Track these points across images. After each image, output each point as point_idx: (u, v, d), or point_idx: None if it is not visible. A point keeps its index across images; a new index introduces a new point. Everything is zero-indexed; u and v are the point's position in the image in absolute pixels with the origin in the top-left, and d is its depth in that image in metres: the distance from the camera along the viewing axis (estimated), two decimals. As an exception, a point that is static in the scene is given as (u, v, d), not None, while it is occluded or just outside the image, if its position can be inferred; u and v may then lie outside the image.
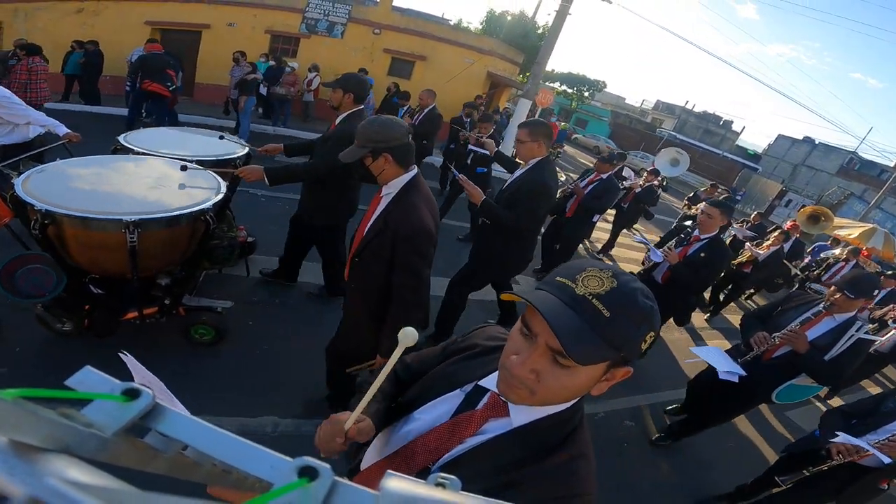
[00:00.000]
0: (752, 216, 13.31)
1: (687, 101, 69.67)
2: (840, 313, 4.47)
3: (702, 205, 6.30)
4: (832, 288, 4.55)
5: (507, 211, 5.13)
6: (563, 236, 8.57)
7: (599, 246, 12.59)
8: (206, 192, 4.36)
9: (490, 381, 1.49)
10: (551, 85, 45.32)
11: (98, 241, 3.76)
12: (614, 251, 12.64)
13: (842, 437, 3.89)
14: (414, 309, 3.38)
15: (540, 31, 33.22)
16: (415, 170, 3.34)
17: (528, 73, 23.84)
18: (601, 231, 12.71)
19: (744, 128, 62.87)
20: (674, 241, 6.08)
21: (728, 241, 10.28)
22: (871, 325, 6.01)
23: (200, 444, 0.57)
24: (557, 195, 8.27)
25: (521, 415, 1.37)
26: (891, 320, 8.60)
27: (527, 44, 27.71)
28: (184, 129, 6.52)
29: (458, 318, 5.94)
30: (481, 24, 33.74)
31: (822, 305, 4.58)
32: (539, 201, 5.11)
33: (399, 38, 22.51)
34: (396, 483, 0.50)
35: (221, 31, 20.66)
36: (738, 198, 28.06)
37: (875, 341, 4.74)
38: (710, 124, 62.78)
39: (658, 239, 12.83)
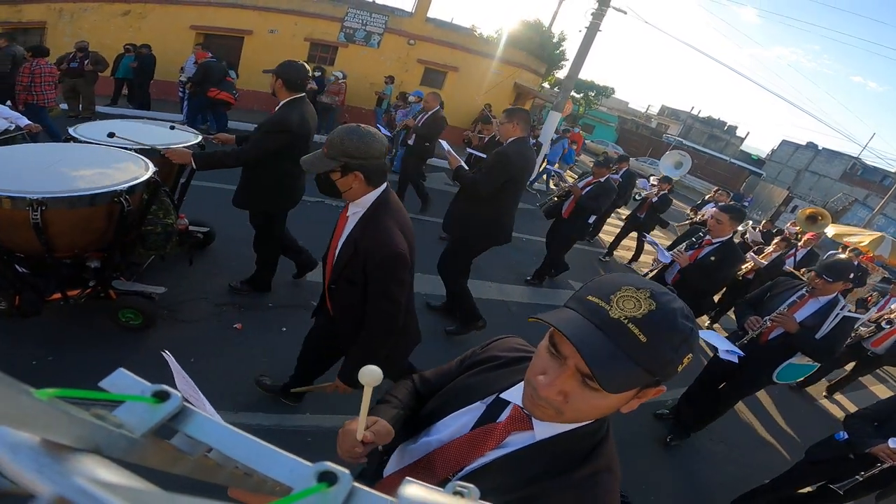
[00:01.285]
0: (763, 223, 13.29)
1: (693, 107, 69.32)
2: (822, 296, 4.88)
3: (711, 209, 6.33)
4: (812, 273, 4.96)
5: (470, 173, 5.67)
6: (561, 235, 8.64)
7: (629, 255, 12.77)
8: (127, 174, 4.32)
9: (512, 394, 1.46)
10: (556, 90, 45.38)
11: (7, 218, 3.82)
12: (620, 252, 12.69)
13: (893, 442, 4.01)
14: (386, 336, 3.15)
15: (556, 39, 33.19)
16: (384, 185, 3.07)
17: (550, 79, 24.06)
18: (606, 235, 12.92)
19: (748, 133, 62.65)
20: (684, 244, 6.11)
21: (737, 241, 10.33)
22: (851, 307, 6.13)
23: (224, 447, 0.58)
24: (555, 196, 8.68)
25: (545, 428, 1.33)
26: (884, 321, 8.63)
27: (543, 53, 27.67)
28: (141, 120, 6.54)
29: (472, 299, 6.24)
30: (496, 32, 33.66)
31: (804, 289, 4.98)
32: (497, 168, 5.46)
33: (432, 49, 22.66)
34: (414, 490, 0.50)
35: (263, 37, 20.83)
36: (746, 204, 27.94)
37: (859, 318, 5.33)
38: (714, 129, 62.66)
39: (668, 243, 12.88)
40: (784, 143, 56.02)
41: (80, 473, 0.43)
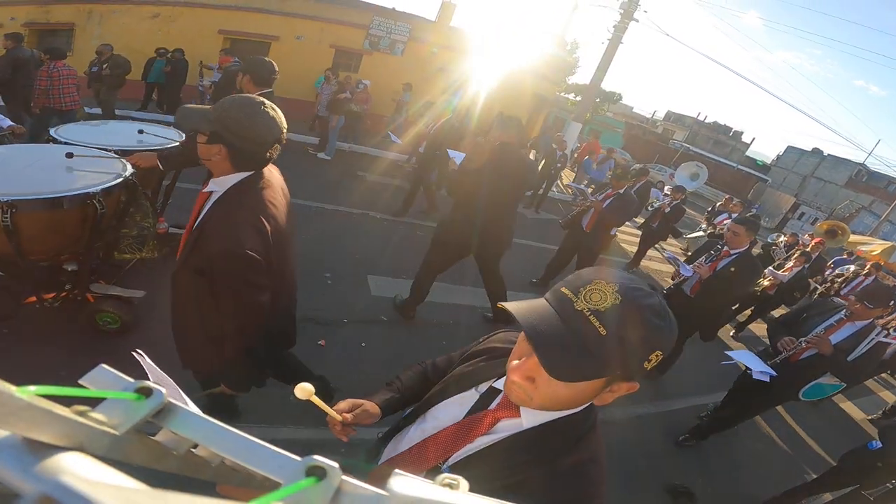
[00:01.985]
0: (788, 236, 13.21)
1: (699, 113, 68.98)
2: (859, 320, 4.92)
3: (727, 221, 6.41)
4: (852, 299, 4.97)
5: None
6: (584, 247, 8.52)
7: (652, 265, 12.82)
8: (104, 176, 4.23)
9: (503, 383, 1.45)
10: (566, 96, 45.32)
11: None
12: (643, 263, 12.63)
13: None
14: (239, 338, 2.78)
15: (568, 47, 33.36)
16: (254, 173, 2.66)
17: (562, 86, 24.29)
18: (629, 245, 12.94)
19: (754, 139, 62.57)
20: (704, 256, 6.18)
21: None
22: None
23: (211, 443, 0.58)
24: (574, 210, 8.55)
25: (531, 416, 1.36)
26: (892, 329, 8.65)
27: (555, 60, 27.79)
28: (122, 121, 6.44)
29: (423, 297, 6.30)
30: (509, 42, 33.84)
31: (843, 313, 5.03)
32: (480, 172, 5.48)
33: (454, 58, 22.69)
34: (404, 483, 0.50)
35: (289, 43, 20.98)
36: (754, 210, 28.10)
37: (891, 344, 5.35)
38: (720, 135, 62.66)
39: (680, 250, 12.87)
40: (790, 148, 56.17)
41: (64, 471, 0.43)
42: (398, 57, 21.94)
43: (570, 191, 18.31)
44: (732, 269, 5.85)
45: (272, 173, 2.87)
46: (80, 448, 0.47)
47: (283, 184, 3.05)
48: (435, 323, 6.55)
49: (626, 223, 12.72)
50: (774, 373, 5.01)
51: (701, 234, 12.27)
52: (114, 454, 0.52)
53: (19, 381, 0.44)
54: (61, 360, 4.27)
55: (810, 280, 10.04)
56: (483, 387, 1.56)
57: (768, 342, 5.53)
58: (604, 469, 1.37)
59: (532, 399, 1.27)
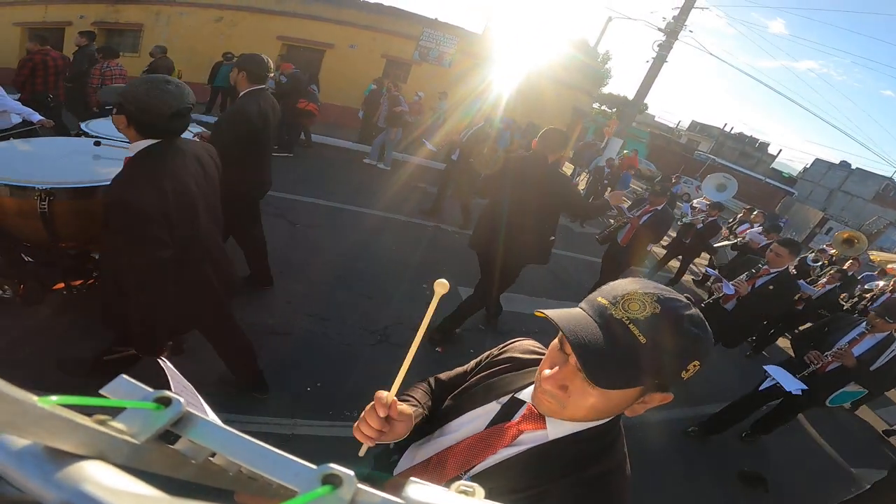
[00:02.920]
0: (822, 255, 13.15)
1: (725, 124, 68.72)
2: (880, 333, 5.35)
3: (747, 229, 6.48)
4: (872, 314, 5.41)
5: None
6: (617, 262, 8.54)
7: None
8: None
9: (526, 394, 1.48)
10: (598, 107, 45.30)
11: (16, 208, 3.91)
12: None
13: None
14: (138, 291, 2.93)
15: (600, 59, 33.38)
16: (162, 140, 2.95)
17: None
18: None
19: (780, 150, 62.11)
20: (745, 273, 6.23)
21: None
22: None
23: (228, 451, 0.58)
24: (611, 225, 8.52)
25: (557, 427, 1.36)
26: None
27: (588, 71, 27.82)
28: None
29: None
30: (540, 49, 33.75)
31: (863, 326, 5.42)
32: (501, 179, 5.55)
33: (493, 68, 22.63)
34: (419, 490, 0.51)
35: (343, 51, 21.53)
36: (781, 224, 27.84)
37: None
38: (746, 146, 62.19)
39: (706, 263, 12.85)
40: (817, 161, 55.41)
41: (85, 480, 0.43)
42: (446, 69, 22.30)
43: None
44: (771, 287, 5.97)
45: (190, 147, 3.20)
46: (100, 457, 0.48)
47: (209, 160, 3.40)
48: (524, 331, 6.69)
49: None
50: (806, 386, 5.30)
51: (727, 243, 12.19)
52: (134, 463, 0.52)
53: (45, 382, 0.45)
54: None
55: (840, 299, 9.96)
56: (504, 398, 1.55)
57: (793, 354, 5.95)
58: (628, 479, 1.36)
59: (564, 408, 1.28)
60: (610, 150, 18.68)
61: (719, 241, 12.66)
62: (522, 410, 1.46)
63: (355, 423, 1.49)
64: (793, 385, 5.28)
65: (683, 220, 11.87)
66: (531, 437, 1.40)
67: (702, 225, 11.28)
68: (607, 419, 1.35)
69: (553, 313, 1.25)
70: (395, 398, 1.43)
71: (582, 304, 1.30)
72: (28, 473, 0.43)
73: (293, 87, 13.08)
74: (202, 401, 1.05)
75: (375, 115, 16.31)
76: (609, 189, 17.19)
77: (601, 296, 1.25)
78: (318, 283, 6.79)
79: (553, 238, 5.77)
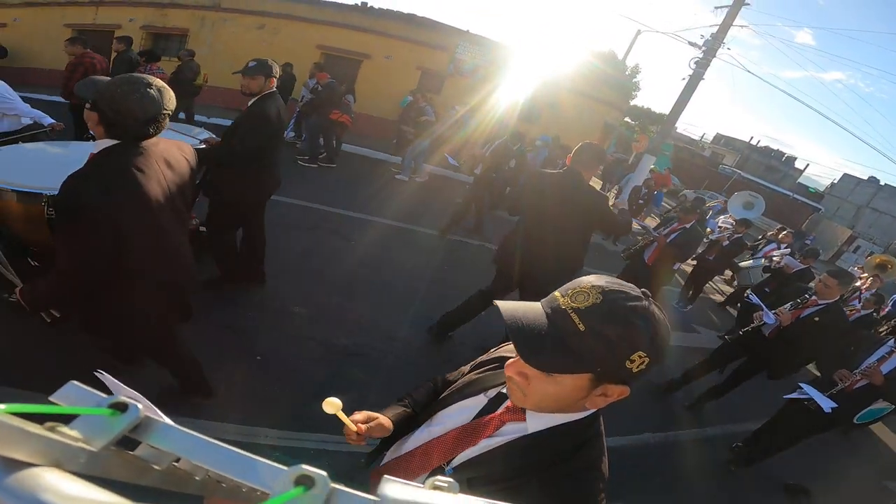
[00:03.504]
0: (867, 281, 13.00)
1: (751, 137, 68.36)
2: None
3: (773, 248, 6.55)
4: None
5: None
6: (642, 281, 8.36)
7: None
8: None
9: None
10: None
11: (22, 213, 3.96)
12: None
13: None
14: (58, 286, 2.88)
15: (628, 72, 33.55)
16: (129, 143, 2.84)
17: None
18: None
19: (808, 164, 61.60)
20: (789, 304, 6.09)
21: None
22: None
23: (193, 456, 0.58)
24: (639, 243, 8.38)
25: (536, 421, 1.41)
26: None
27: (616, 84, 27.99)
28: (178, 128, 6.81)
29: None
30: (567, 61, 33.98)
31: (891, 344, 5.38)
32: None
33: (534, 85, 22.99)
34: (394, 488, 0.51)
35: (379, 62, 21.73)
36: (808, 242, 27.64)
37: None
38: (772, 160, 61.81)
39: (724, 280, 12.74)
40: (845, 176, 54.78)
41: (41, 488, 0.43)
42: (478, 81, 22.09)
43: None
44: (816, 318, 5.83)
45: (158, 147, 3.04)
46: (56, 465, 0.47)
47: (180, 158, 3.26)
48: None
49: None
50: (836, 404, 5.22)
51: (752, 263, 11.97)
52: (92, 470, 0.52)
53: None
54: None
55: (877, 331, 9.87)
56: (492, 392, 1.62)
57: (818, 373, 6.07)
58: (603, 476, 1.40)
59: (526, 396, 1.36)
60: (644, 168, 18.63)
61: (746, 261, 12.48)
62: (506, 403, 1.52)
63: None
64: (826, 403, 5.25)
65: (709, 236, 11.79)
66: (511, 429, 1.46)
67: (727, 242, 11.02)
68: (584, 414, 1.39)
69: (504, 303, 1.35)
70: (360, 426, 1.73)
71: (543, 299, 1.38)
72: (-19, 484, 0.42)
73: (328, 97, 13.09)
74: (155, 409, 1.05)
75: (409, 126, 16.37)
76: (643, 208, 17.51)
77: (559, 290, 1.33)
78: (386, 303, 6.96)
79: (581, 259, 5.52)
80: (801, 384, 5.58)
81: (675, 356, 7.94)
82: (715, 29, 17.61)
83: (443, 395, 1.84)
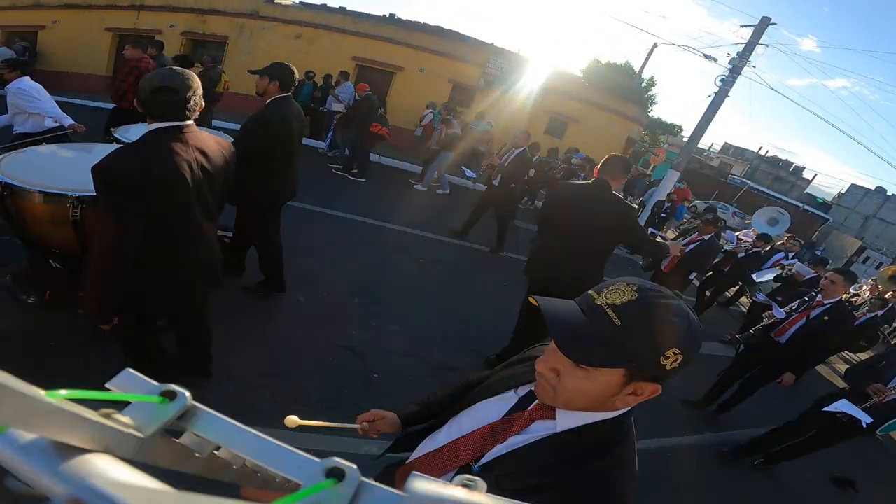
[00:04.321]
0: (868, 287, 12.93)
1: (760, 147, 67.90)
2: None
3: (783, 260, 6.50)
4: None
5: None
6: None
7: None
8: None
9: None
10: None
11: (48, 215, 3.97)
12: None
13: None
14: (105, 260, 2.99)
15: (644, 84, 33.50)
16: (163, 124, 3.09)
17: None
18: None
19: (815, 174, 60.95)
20: (797, 303, 6.23)
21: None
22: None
23: (233, 445, 0.59)
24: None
25: (566, 419, 1.41)
26: None
27: (628, 94, 27.99)
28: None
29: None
30: (581, 72, 33.85)
31: None
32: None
33: (559, 100, 23.55)
34: (422, 484, 0.51)
35: (412, 74, 22.19)
36: (818, 252, 27.40)
37: None
38: (780, 170, 61.42)
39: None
40: (853, 187, 54.58)
41: (92, 474, 0.44)
42: (507, 96, 22.35)
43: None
44: (826, 318, 5.89)
45: (197, 136, 3.29)
46: (106, 451, 0.48)
47: (218, 153, 3.48)
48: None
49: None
50: (872, 419, 5.28)
51: (765, 277, 11.86)
52: (140, 457, 0.53)
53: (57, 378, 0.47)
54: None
55: (880, 331, 9.81)
56: (522, 390, 1.61)
57: (846, 384, 6.05)
58: (633, 475, 1.39)
59: (556, 392, 1.36)
60: (667, 183, 18.59)
61: (763, 277, 12.37)
62: (537, 401, 1.50)
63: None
64: (865, 418, 5.29)
65: (726, 247, 11.74)
66: (541, 427, 1.45)
67: (744, 254, 11.04)
68: (615, 413, 1.38)
69: (542, 299, 1.37)
70: (363, 425, 1.95)
71: (578, 297, 1.39)
72: (36, 467, 0.43)
73: (368, 109, 13.03)
74: None
75: (429, 138, 16.50)
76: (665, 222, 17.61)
77: (593, 289, 1.35)
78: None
79: (602, 270, 5.39)
80: (836, 404, 5.56)
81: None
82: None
83: (473, 391, 1.84)
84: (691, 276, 8.52)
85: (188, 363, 4.45)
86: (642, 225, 8.39)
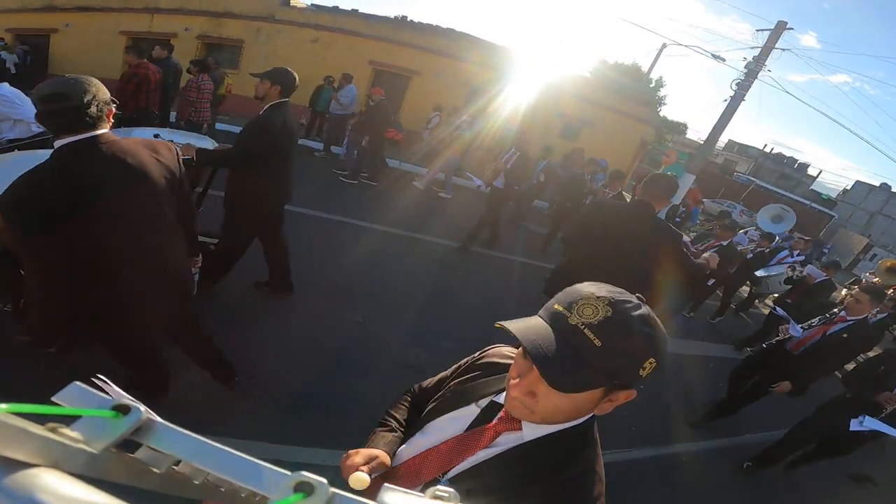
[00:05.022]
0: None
1: (765, 145, 68.05)
2: None
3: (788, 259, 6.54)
4: None
5: None
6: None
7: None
8: None
9: (504, 397, 1.50)
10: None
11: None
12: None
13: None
14: (36, 293, 2.86)
15: (653, 84, 33.64)
16: (76, 136, 2.68)
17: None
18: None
19: (820, 171, 61.05)
20: (817, 318, 6.10)
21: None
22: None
23: (194, 458, 0.58)
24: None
25: (532, 429, 1.40)
26: None
27: (640, 96, 28.12)
28: (166, 129, 7.08)
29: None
30: (589, 73, 33.98)
31: None
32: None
33: (573, 103, 23.64)
34: (395, 496, 0.51)
35: (430, 78, 22.10)
36: (825, 251, 27.48)
37: None
38: (785, 168, 61.43)
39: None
40: (858, 183, 54.53)
41: (38, 489, 0.43)
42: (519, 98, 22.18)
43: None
44: (845, 335, 5.70)
45: (124, 149, 2.93)
46: (55, 466, 0.47)
47: (151, 157, 3.12)
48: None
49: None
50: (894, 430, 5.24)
51: (767, 273, 11.78)
52: (91, 472, 0.52)
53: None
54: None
55: (888, 330, 9.80)
56: (484, 402, 1.60)
57: (847, 390, 5.91)
58: (602, 480, 1.40)
59: (534, 413, 1.32)
60: (682, 187, 18.72)
61: (769, 273, 12.33)
62: (500, 413, 1.50)
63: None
64: (892, 431, 5.26)
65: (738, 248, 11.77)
66: (508, 439, 1.45)
67: (751, 254, 11.03)
68: (581, 420, 1.39)
69: (513, 325, 1.30)
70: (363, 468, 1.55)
71: (540, 311, 1.36)
72: (-22, 484, 0.42)
73: (383, 114, 13.03)
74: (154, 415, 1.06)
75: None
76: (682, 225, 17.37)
77: (557, 303, 1.32)
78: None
79: None
80: (863, 421, 5.41)
81: (694, 365, 8.15)
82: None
83: (430, 404, 1.81)
84: (710, 283, 8.53)
85: (211, 375, 4.45)
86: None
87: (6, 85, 6.59)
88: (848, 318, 5.77)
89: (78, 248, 2.77)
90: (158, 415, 0.62)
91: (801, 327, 5.99)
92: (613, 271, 4.65)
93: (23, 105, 6.56)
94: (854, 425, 5.25)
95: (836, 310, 6.03)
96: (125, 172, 2.92)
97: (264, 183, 5.24)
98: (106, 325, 3.40)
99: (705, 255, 5.42)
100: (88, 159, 2.76)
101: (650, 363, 1.23)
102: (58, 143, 2.70)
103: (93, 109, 2.71)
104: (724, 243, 8.07)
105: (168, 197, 3.27)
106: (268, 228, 5.83)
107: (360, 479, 1.36)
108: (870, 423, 5.30)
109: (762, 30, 17.84)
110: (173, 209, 3.37)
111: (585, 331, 1.20)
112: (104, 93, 2.80)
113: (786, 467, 6.14)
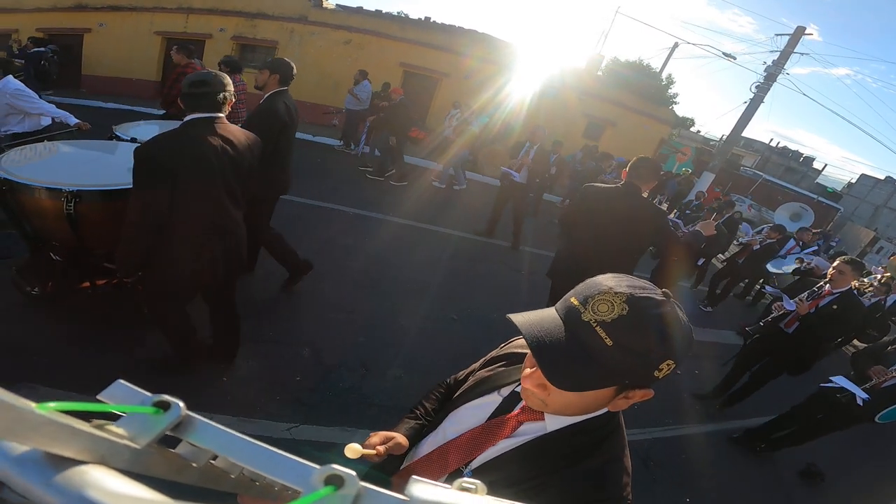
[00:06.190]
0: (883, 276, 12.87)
1: (771, 140, 67.33)
2: None
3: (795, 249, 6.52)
4: None
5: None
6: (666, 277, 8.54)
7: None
8: None
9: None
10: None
11: (43, 209, 4.11)
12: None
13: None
14: (127, 236, 3.50)
15: (664, 83, 33.54)
16: (196, 115, 3.59)
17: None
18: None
19: (825, 165, 60.49)
20: (806, 293, 6.22)
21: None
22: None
23: (231, 454, 0.59)
24: None
25: (555, 420, 1.38)
26: None
27: (656, 95, 28.06)
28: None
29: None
30: (600, 72, 33.74)
31: None
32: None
33: (595, 104, 23.82)
34: (422, 488, 0.51)
35: (458, 81, 22.16)
36: (833, 244, 27.32)
37: None
38: (791, 161, 61.01)
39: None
40: (863, 177, 54.13)
41: (87, 485, 0.44)
42: (550, 100, 22.50)
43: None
44: (835, 307, 5.90)
45: (225, 128, 3.74)
46: (101, 462, 0.48)
47: (244, 146, 3.87)
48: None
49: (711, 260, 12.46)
50: (868, 396, 5.30)
51: (783, 270, 11.73)
52: (135, 467, 0.53)
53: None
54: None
55: (891, 321, 9.77)
56: (505, 391, 1.58)
57: (852, 371, 5.85)
58: (627, 469, 1.37)
59: (546, 405, 1.32)
60: (702, 184, 18.72)
61: (779, 269, 12.26)
62: (522, 402, 1.47)
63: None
64: (860, 393, 5.31)
65: (741, 239, 11.70)
66: (531, 429, 1.43)
67: (759, 246, 11.02)
68: (604, 410, 1.36)
69: (519, 318, 1.29)
70: (378, 448, 1.69)
71: (557, 304, 1.32)
72: (30, 479, 0.43)
73: (404, 114, 13.17)
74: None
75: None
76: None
77: (574, 295, 1.26)
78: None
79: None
80: (831, 378, 5.64)
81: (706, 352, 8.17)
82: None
83: (456, 395, 1.81)
84: (699, 262, 8.52)
85: (216, 349, 4.67)
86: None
87: (13, 78, 6.61)
88: (833, 290, 6.01)
89: (176, 201, 3.44)
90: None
91: (793, 301, 6.13)
92: (605, 250, 4.95)
93: (32, 97, 6.64)
94: (825, 385, 5.58)
95: (821, 283, 6.19)
96: (226, 147, 3.66)
97: (269, 170, 5.31)
98: (160, 277, 3.87)
99: (700, 224, 5.50)
100: (204, 131, 3.55)
101: (668, 365, 1.17)
102: (188, 117, 3.56)
103: (220, 97, 3.58)
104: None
105: (245, 177, 3.96)
106: (267, 217, 6.00)
107: (353, 448, 1.44)
108: (838, 381, 5.55)
109: (781, 34, 18.07)
110: (243, 189, 4.01)
111: (597, 328, 1.15)
112: (231, 88, 3.67)
113: (762, 448, 6.26)
